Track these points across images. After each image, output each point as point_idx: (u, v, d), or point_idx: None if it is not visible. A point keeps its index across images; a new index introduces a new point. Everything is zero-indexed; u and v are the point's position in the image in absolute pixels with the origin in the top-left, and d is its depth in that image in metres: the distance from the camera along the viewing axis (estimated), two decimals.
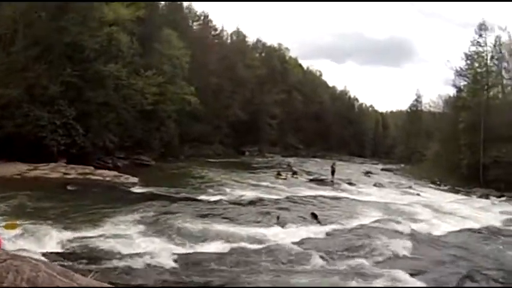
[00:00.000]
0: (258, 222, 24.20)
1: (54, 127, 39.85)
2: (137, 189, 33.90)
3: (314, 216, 26.34)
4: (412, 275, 16.09)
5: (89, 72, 44.19)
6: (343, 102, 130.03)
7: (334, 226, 24.29)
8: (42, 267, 4.03)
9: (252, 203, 30.38)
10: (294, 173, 49.84)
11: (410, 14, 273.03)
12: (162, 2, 69.85)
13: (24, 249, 15.24)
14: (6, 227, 18.35)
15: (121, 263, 15.78)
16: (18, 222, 18.65)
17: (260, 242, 19.85)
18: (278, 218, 24.55)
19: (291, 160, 65.82)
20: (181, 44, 61.14)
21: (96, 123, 44.44)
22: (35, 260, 4.38)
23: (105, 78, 45.65)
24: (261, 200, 31.56)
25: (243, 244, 19.29)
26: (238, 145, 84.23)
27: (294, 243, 19.81)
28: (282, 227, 23.13)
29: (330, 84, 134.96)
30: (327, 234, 22.58)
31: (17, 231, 17.25)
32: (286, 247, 19.02)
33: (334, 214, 28.25)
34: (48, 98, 40.42)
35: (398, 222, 25.40)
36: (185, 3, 79.29)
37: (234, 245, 19.14)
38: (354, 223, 25.39)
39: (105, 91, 45.46)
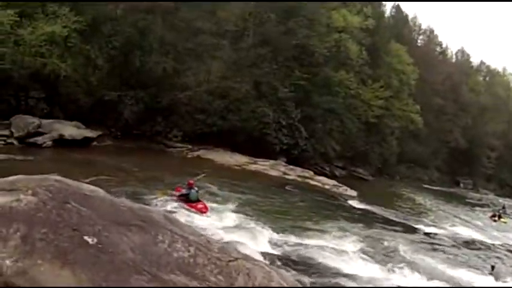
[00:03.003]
0: (472, 267, 20.97)
1: (279, 126, 37.65)
2: (355, 204, 30.80)
3: None
4: None
5: (318, 77, 41.38)
6: None
7: None
8: (275, 276, 3.67)
9: (466, 243, 26.37)
10: (500, 216, 40.59)
11: None
12: (388, 13, 64.33)
13: (238, 242, 14.54)
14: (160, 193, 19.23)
15: (341, 283, 14.33)
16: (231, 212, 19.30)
17: None
18: (493, 268, 21.02)
19: (505, 202, 55.26)
20: (410, 59, 54.65)
21: (320, 129, 41.47)
22: (268, 266, 3.94)
23: (333, 84, 42.37)
24: (475, 241, 27.25)
25: None
26: (453, 174, 74.45)
27: None
28: (496, 279, 19.68)
29: None
30: None
31: (233, 222, 17.79)
32: None
33: None
34: (276, 97, 38.29)
35: None
36: (410, 15, 73.16)
37: None
38: None
39: (332, 97, 42.00)
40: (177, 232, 3.68)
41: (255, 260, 3.95)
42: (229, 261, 3.55)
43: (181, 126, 35.22)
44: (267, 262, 12.24)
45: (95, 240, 3.09)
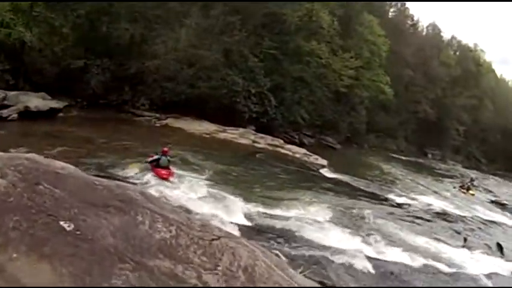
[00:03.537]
0: (446, 240, 21.27)
1: (248, 94, 37.32)
2: (326, 173, 30.77)
3: (499, 247, 22.67)
4: None
5: (289, 46, 41.06)
6: None
7: None
8: (259, 256, 3.57)
9: (438, 215, 26.56)
10: (468, 188, 41.80)
11: None
12: None
13: (214, 215, 14.92)
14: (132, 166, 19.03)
15: (316, 254, 14.36)
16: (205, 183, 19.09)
17: (448, 263, 17.34)
18: (465, 240, 21.58)
19: (473, 174, 57.62)
20: (381, 31, 54.86)
21: (290, 97, 41.27)
22: (251, 244, 3.80)
23: (304, 54, 42.23)
24: (446, 213, 27.57)
25: (432, 262, 16.94)
26: (421, 144, 75.52)
27: (483, 274, 17.32)
28: (469, 251, 20.04)
29: None
30: None
31: (205, 193, 17.51)
32: (475, 278, 16.80)
33: None
34: (245, 66, 37.93)
35: None
36: None
37: (423, 260, 16.78)
38: None
39: (302, 66, 41.97)
40: (157, 211, 3.50)
41: (237, 238, 3.84)
42: (212, 239, 3.41)
43: (149, 95, 34.70)
44: (237, 233, 12.60)
45: (72, 226, 2.88)
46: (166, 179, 17.91)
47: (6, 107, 26.35)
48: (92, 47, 32.99)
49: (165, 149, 18.96)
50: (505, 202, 41.04)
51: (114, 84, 33.18)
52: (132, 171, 18.50)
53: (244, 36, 37.89)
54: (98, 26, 32.75)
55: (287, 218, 17.14)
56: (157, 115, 33.88)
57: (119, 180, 16.05)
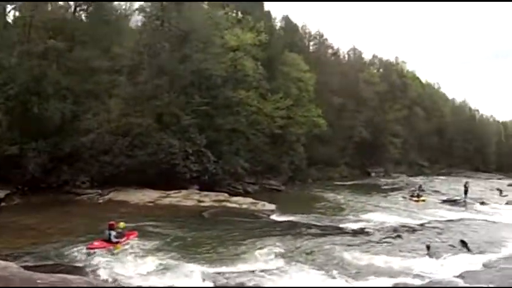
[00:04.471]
0: (409, 252, 21.66)
1: (186, 154, 37.50)
2: (276, 217, 30.70)
3: (463, 244, 23.48)
4: None
5: (218, 99, 41.94)
6: (463, 114, 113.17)
7: (487, 255, 21.51)
8: None
9: (395, 230, 27.14)
10: (419, 195, 43.81)
11: None
12: (278, 25, 65.38)
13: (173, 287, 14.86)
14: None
15: None
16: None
17: (419, 276, 17.54)
18: (428, 247, 21.54)
19: (419, 180, 61.16)
20: (306, 66, 56.67)
21: (227, 150, 41.93)
22: None
23: (234, 104, 43.25)
24: (403, 226, 28.44)
25: (403, 279, 17.09)
26: (363, 166, 77.75)
27: (455, 276, 17.66)
28: (435, 257, 20.40)
29: (449, 96, 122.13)
30: (484, 265, 19.88)
31: (158, 265, 17.38)
32: (450, 282, 16.98)
33: (481, 240, 25.18)
34: (179, 126, 38.40)
35: None
36: (300, 24, 74.16)
37: (394, 280, 16.86)
38: (507, 251, 22.68)
39: (234, 117, 42.93)
40: None
41: None
42: None
43: (87, 172, 34.63)
44: None
45: None
46: (90, 248, 18.77)
47: None
48: (26, 130, 32.96)
49: (111, 222, 19.92)
50: (456, 198, 43.70)
51: (53, 166, 33.19)
52: (80, 253, 18.63)
53: (174, 97, 38.49)
54: (30, 108, 32.64)
55: (246, 273, 17.09)
56: (99, 191, 33.83)
57: (66, 266, 16.58)
